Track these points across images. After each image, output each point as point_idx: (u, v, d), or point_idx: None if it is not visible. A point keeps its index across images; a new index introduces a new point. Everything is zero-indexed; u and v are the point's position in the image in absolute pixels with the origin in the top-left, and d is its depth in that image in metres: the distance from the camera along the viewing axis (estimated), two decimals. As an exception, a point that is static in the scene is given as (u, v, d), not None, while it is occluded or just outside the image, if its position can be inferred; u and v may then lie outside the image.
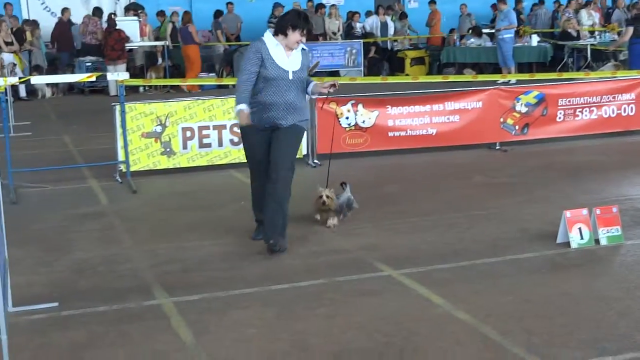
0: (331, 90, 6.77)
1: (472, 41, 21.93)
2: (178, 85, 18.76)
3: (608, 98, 11.66)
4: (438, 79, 14.87)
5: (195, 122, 9.96)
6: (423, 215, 7.80)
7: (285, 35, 6.62)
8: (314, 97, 8.42)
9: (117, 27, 19.62)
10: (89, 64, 19.86)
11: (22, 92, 18.94)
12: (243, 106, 6.54)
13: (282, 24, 6.68)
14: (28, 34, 20.05)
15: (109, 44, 19.31)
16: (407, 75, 21.08)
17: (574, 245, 6.65)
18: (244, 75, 6.61)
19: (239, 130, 7.36)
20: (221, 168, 10.04)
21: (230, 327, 5.16)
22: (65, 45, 21.08)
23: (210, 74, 19.62)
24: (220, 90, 17.03)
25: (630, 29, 14.88)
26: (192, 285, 5.96)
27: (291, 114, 6.69)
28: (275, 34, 6.68)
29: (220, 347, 4.85)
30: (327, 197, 7.24)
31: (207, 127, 10.02)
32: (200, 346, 4.87)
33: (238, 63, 20.13)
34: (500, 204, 8.21)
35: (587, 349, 4.70)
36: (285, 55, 6.65)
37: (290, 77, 6.63)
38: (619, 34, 19.49)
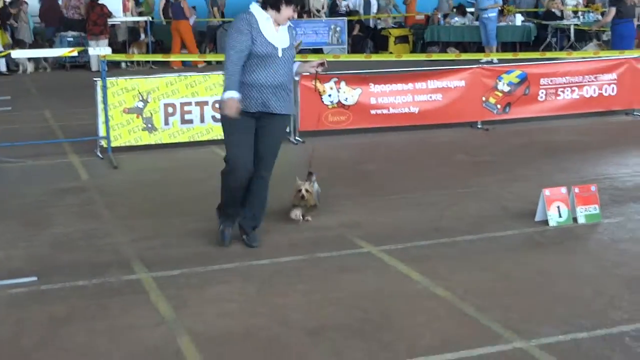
0: (319, 69, 6.29)
1: (456, 20, 21.90)
2: (161, 60, 18.64)
3: (590, 78, 11.70)
4: (421, 57, 14.85)
5: (177, 98, 9.92)
6: (405, 193, 7.82)
7: (278, 10, 5.95)
8: (297, 78, 8.06)
9: (99, 2, 19.46)
10: (71, 39, 19.71)
11: (2, 66, 18.78)
12: (234, 94, 5.78)
13: None
14: (13, 10, 19.86)
15: (91, 19, 19.15)
16: (390, 53, 21.05)
17: (552, 223, 6.69)
18: (234, 53, 5.84)
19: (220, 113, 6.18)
20: (203, 144, 10.02)
21: (210, 302, 5.18)
22: (53, 20, 20.87)
23: (183, 50, 19.45)
24: (204, 67, 16.97)
25: (613, 9, 14.90)
26: (172, 260, 5.97)
27: (280, 98, 6.04)
28: (264, 7, 5.98)
29: (199, 322, 4.86)
30: (307, 191, 6.77)
31: (189, 104, 9.98)
32: (179, 321, 4.88)
33: (222, 40, 20.02)
34: (481, 182, 8.24)
35: (562, 325, 4.75)
36: (274, 30, 5.99)
37: (280, 54, 5.97)
38: (602, 14, 19.52)
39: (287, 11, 5.97)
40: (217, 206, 6.40)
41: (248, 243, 6.24)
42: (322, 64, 6.28)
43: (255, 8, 6.02)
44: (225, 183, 6.22)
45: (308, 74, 6.65)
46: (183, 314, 4.98)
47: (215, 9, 21.86)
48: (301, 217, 6.84)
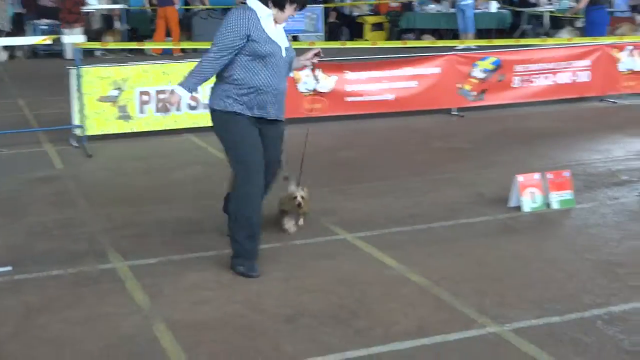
0: (315, 60, 5.75)
1: (432, 7, 21.94)
2: (136, 48, 18.50)
3: (564, 65, 11.78)
4: (397, 44, 14.88)
5: (153, 86, 9.87)
6: (380, 180, 7.85)
7: (283, 8, 5.35)
8: (291, 74, 6.96)
9: (74, -10, 19.29)
10: (45, 27, 19.53)
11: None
12: (182, 91, 5.32)
13: None
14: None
15: (66, 7, 18.97)
16: (366, 40, 21.06)
17: (526, 209, 6.75)
18: (217, 52, 5.26)
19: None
20: (178, 132, 9.99)
21: (186, 290, 5.18)
22: (33, 8, 20.63)
23: (168, 38, 19.35)
24: (179, 55, 16.88)
25: (587, -4, 14.99)
26: (148, 248, 5.96)
27: (279, 104, 5.50)
28: (265, 2, 5.36)
29: (175, 310, 4.87)
30: (303, 198, 6.21)
31: (164, 92, 9.92)
32: (155, 309, 4.88)
33: (198, 28, 19.90)
34: (456, 169, 8.29)
35: (535, 309, 4.80)
36: (275, 28, 5.42)
37: (284, 54, 5.42)
38: (576, 0, 19.61)
39: (290, 10, 5.41)
40: (232, 244, 5.57)
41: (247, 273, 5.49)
42: (317, 54, 5.70)
43: (254, 3, 5.37)
44: (242, 202, 5.42)
45: (305, 67, 6.20)
46: (159, 302, 4.98)
47: None
48: (295, 228, 6.35)
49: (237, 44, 5.24)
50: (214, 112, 5.46)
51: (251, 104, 5.35)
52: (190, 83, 5.35)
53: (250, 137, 5.38)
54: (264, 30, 5.30)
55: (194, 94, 5.73)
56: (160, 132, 9.95)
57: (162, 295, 5.11)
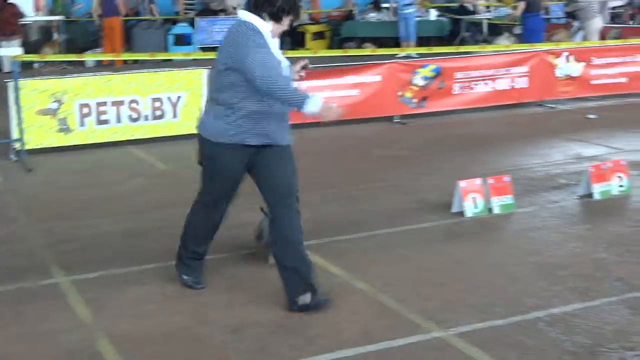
0: (302, 74, 5.25)
1: (373, 15, 22.08)
2: (74, 60, 18.24)
3: (502, 71, 11.97)
4: (338, 53, 14.94)
5: (93, 98, 9.76)
6: (324, 189, 7.87)
7: (280, 20, 4.88)
8: None
9: (10, 1, 18.97)
10: (-19, 39, 19.15)
11: None
12: (317, 97, 4.72)
13: (280, 7, 4.85)
14: None
15: (3, 19, 18.63)
16: (307, 49, 21.10)
17: (468, 214, 6.84)
18: (276, 74, 4.71)
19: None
20: (119, 145, 9.89)
21: (129, 304, 5.13)
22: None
23: (97, 50, 19.10)
24: (118, 66, 16.72)
25: (523, 3, 15.22)
26: (90, 263, 5.89)
27: (286, 127, 5.06)
28: (259, 16, 4.84)
29: (118, 324, 4.82)
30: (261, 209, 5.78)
31: (105, 104, 9.84)
32: (98, 323, 4.83)
33: (139, 39, 19.56)
34: (398, 176, 8.36)
35: (478, 313, 4.87)
36: (275, 44, 4.96)
37: (287, 73, 4.94)
38: (514, 7, 19.95)
39: (286, 22, 4.94)
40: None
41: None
42: (304, 67, 5.24)
43: (254, 19, 4.84)
44: (196, 219, 5.36)
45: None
46: (102, 317, 4.93)
47: (153, 5, 21.29)
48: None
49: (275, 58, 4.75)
50: (217, 145, 4.93)
51: (249, 131, 4.85)
52: (301, 97, 4.70)
53: (230, 170, 5.04)
54: (270, 49, 4.82)
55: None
56: (101, 145, 9.83)
57: (105, 309, 5.05)
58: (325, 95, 10.81)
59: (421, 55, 13.19)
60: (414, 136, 10.52)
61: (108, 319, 4.90)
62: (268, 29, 4.84)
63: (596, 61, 12.67)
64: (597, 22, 15.79)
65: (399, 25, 20.23)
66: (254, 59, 4.66)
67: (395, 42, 20.72)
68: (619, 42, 14.05)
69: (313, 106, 4.65)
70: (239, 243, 6.24)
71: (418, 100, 11.46)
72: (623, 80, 12.93)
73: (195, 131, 5.15)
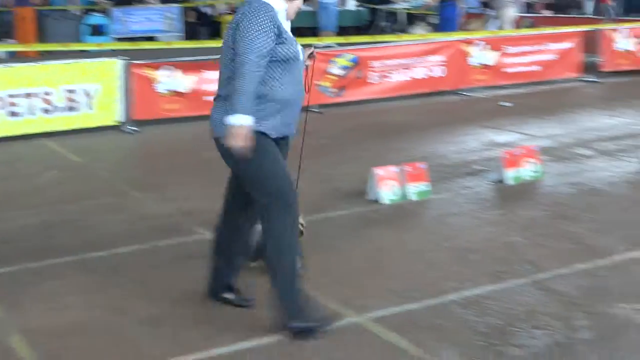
0: (309, 63, 4.92)
1: (291, 5, 22.07)
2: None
3: (418, 60, 12.13)
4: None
5: (3, 90, 9.53)
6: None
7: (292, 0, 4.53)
8: None
9: None
10: None
11: None
12: (248, 119, 4.25)
13: None
14: None
15: None
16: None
17: (385, 201, 6.92)
18: (255, 59, 4.25)
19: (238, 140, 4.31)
20: (33, 137, 9.68)
21: (45, 298, 5.05)
22: None
23: (10, 40, 18.63)
24: (31, 57, 16.33)
25: (439, -7, 15.52)
26: (3, 257, 5.75)
27: (299, 116, 4.77)
28: None
29: (33, 319, 4.73)
30: (302, 225, 5.27)
31: (17, 95, 9.62)
32: (12, 320, 4.73)
33: (52, 29, 19.12)
34: (314, 165, 8.33)
35: (396, 298, 4.94)
36: (288, 26, 4.57)
37: (301, 56, 4.60)
38: (430, -3, 20.23)
39: (299, 1, 4.56)
40: (284, 303, 4.53)
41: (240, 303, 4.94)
42: (310, 55, 4.90)
43: None
44: (284, 237, 4.48)
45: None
46: (15, 312, 4.83)
47: None
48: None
49: (269, 48, 4.29)
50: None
51: (276, 121, 4.46)
52: (246, 104, 4.25)
53: (281, 163, 4.62)
54: (285, 29, 4.44)
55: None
56: (14, 138, 9.60)
57: (18, 305, 4.95)
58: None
59: (340, 45, 13.25)
60: (330, 125, 10.55)
61: (22, 314, 4.81)
62: (282, 6, 4.46)
63: (510, 50, 12.96)
64: (512, 12, 16.13)
65: (318, 15, 20.27)
66: (245, 39, 4.27)
67: (313, 32, 20.75)
68: (532, 31, 14.38)
69: (235, 120, 4.23)
70: (156, 235, 6.20)
71: (336, 90, 11.52)
72: (536, 68, 13.25)
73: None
